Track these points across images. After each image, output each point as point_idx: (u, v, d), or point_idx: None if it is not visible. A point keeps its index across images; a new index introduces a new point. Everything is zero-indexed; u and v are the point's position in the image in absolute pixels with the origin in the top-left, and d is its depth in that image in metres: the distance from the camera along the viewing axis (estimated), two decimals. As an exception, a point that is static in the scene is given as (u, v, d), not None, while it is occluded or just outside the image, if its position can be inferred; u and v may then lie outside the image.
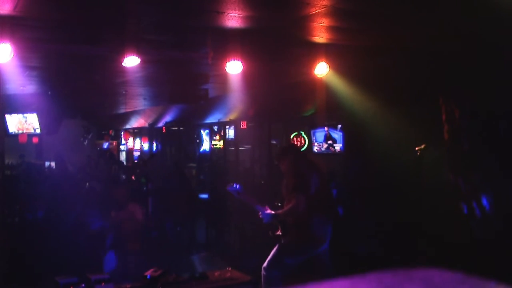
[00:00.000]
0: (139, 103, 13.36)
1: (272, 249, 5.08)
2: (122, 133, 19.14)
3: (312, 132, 9.54)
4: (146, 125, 16.82)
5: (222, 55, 5.81)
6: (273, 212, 4.87)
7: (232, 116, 12.15)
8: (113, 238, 6.13)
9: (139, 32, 5.28)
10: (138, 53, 5.57)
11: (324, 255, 4.93)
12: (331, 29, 5.28)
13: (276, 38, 5.69)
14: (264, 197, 5.72)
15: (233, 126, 12.58)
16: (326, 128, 9.19)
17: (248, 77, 7.06)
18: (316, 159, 5.26)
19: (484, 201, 5.84)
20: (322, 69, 6.38)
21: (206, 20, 4.89)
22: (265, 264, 4.86)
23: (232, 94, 10.20)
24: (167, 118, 14.96)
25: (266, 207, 4.96)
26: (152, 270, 4.74)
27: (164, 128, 15.68)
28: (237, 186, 5.24)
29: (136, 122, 17.67)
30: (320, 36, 5.58)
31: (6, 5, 4.29)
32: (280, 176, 5.47)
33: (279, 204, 5.03)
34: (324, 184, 4.89)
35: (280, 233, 4.90)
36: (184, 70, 7.72)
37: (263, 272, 4.84)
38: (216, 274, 5.01)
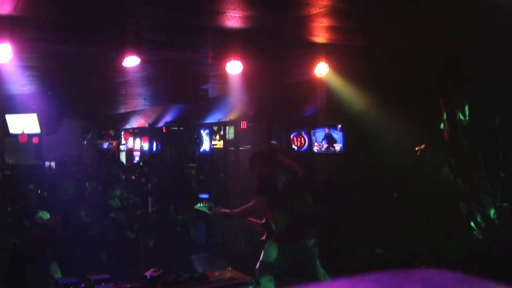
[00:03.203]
0: (139, 103, 13.37)
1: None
2: (122, 133, 19.13)
3: (312, 132, 9.54)
4: (146, 125, 16.81)
5: (222, 55, 5.81)
6: (226, 210, 5.02)
7: (232, 116, 12.15)
8: (30, 248, 5.87)
9: (139, 32, 5.28)
10: (138, 53, 5.57)
11: (311, 256, 4.95)
12: (331, 29, 5.28)
13: (276, 38, 5.69)
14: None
15: (233, 126, 12.57)
16: (326, 129, 9.19)
17: (248, 77, 7.05)
18: (291, 160, 5.33)
19: (484, 201, 5.84)
20: (322, 69, 6.37)
21: (206, 20, 4.89)
22: (257, 266, 4.97)
23: (232, 94, 10.20)
24: (167, 118, 14.96)
25: (220, 207, 5.12)
26: (152, 270, 4.73)
27: (164, 128, 15.67)
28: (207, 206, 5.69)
29: (136, 122, 17.66)
30: (320, 36, 5.58)
31: (6, 5, 4.29)
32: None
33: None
34: (296, 184, 4.96)
35: (265, 239, 5.07)
36: (184, 70, 7.71)
37: (256, 273, 4.95)
38: (216, 274, 5.01)
